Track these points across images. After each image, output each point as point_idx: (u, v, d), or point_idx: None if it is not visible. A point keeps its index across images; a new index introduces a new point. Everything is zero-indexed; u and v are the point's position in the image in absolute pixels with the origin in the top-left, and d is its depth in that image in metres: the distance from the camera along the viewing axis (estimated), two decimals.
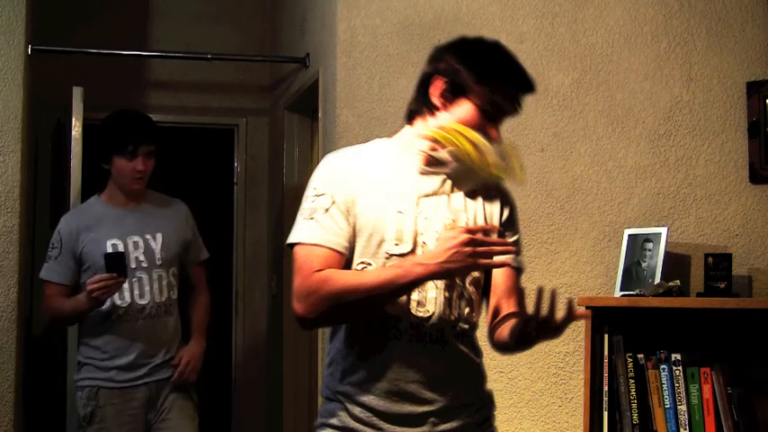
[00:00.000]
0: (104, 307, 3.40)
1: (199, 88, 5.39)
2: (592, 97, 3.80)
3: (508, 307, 2.16)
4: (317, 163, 2.22)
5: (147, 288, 3.47)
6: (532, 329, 1.97)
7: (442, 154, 2.06)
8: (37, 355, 4.85)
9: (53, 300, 3.48)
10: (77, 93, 4.30)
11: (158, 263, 3.51)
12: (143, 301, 3.47)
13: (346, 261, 2.07)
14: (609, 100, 3.80)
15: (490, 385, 2.23)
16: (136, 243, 3.49)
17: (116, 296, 3.41)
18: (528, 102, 2.15)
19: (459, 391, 2.12)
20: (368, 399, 2.08)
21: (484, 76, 2.06)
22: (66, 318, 3.55)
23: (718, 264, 3.42)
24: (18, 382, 3.86)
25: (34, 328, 4.81)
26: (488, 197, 2.18)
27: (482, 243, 1.95)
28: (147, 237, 3.52)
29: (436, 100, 2.10)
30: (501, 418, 2.34)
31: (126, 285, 3.41)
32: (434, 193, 2.11)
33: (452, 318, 2.10)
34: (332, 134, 3.87)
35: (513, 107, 2.11)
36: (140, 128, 3.54)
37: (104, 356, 3.46)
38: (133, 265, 3.46)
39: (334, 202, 2.06)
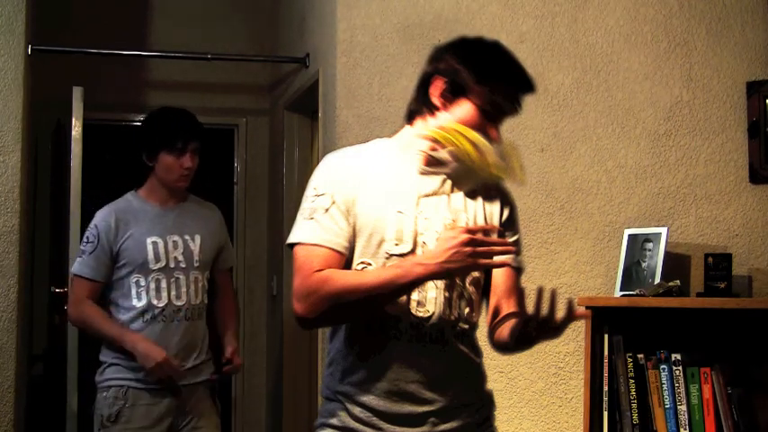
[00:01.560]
0: (139, 305, 3.35)
1: (199, 88, 5.39)
2: (592, 97, 3.80)
3: (508, 307, 2.16)
4: (317, 163, 2.22)
5: (183, 289, 3.41)
6: (532, 329, 1.97)
7: (442, 154, 2.06)
8: (37, 355, 4.86)
9: (92, 309, 3.37)
10: (77, 93, 4.30)
11: (196, 264, 3.45)
12: (179, 303, 3.39)
13: (346, 261, 2.07)
14: (609, 100, 3.80)
15: (490, 385, 2.23)
16: (175, 243, 3.42)
17: (153, 295, 3.35)
18: (528, 102, 2.15)
19: (459, 391, 2.11)
20: (368, 399, 2.08)
21: (484, 76, 2.06)
22: (98, 336, 3.41)
23: (718, 264, 3.42)
24: (18, 382, 3.86)
25: (34, 327, 4.81)
26: (488, 197, 2.18)
27: (482, 243, 1.94)
28: (186, 237, 3.46)
29: (436, 100, 2.10)
30: (501, 418, 2.34)
31: (164, 285, 3.37)
32: (434, 193, 2.11)
33: (452, 318, 2.09)
34: (332, 134, 3.87)
35: (513, 107, 2.11)
36: (190, 124, 3.48)
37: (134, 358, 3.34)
38: (172, 265, 3.40)
39: (334, 202, 2.06)
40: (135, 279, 3.36)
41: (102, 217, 3.42)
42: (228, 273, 3.72)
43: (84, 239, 3.42)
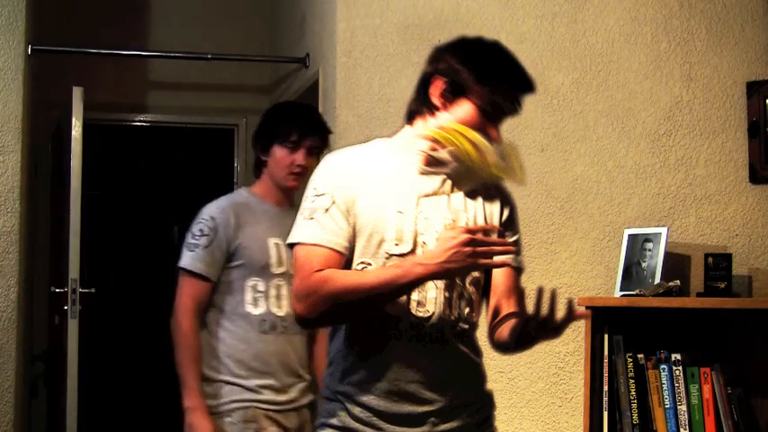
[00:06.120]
0: (256, 313, 2.97)
1: (199, 88, 5.39)
2: (592, 97, 3.80)
3: (508, 307, 2.16)
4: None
5: None
6: (532, 329, 1.97)
7: (442, 154, 2.06)
8: (37, 355, 4.86)
9: (196, 339, 2.96)
10: (77, 93, 4.30)
11: None
12: None
13: (346, 261, 2.07)
14: (609, 100, 3.80)
15: (490, 385, 2.23)
16: None
17: (273, 303, 3.00)
18: (528, 102, 2.15)
19: (460, 391, 2.11)
20: (368, 399, 2.08)
21: (484, 76, 2.06)
22: (178, 359, 2.96)
23: (718, 264, 3.42)
24: (18, 382, 3.86)
25: (34, 327, 4.81)
26: (488, 197, 2.18)
27: (482, 243, 1.94)
28: None
29: (436, 100, 2.10)
30: (501, 418, 2.33)
31: (285, 293, 2.99)
32: (434, 193, 2.11)
33: (452, 318, 2.09)
34: (332, 134, 3.87)
35: (513, 107, 2.11)
36: (307, 118, 3.12)
37: (252, 375, 2.98)
38: (292, 272, 2.89)
39: (334, 203, 2.06)
40: (252, 283, 2.99)
41: (219, 210, 3.03)
42: None
43: (197, 231, 3.00)
